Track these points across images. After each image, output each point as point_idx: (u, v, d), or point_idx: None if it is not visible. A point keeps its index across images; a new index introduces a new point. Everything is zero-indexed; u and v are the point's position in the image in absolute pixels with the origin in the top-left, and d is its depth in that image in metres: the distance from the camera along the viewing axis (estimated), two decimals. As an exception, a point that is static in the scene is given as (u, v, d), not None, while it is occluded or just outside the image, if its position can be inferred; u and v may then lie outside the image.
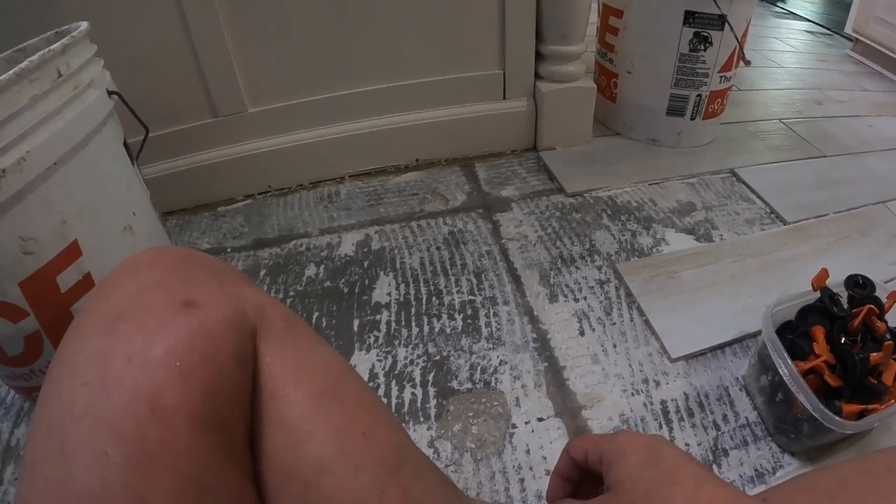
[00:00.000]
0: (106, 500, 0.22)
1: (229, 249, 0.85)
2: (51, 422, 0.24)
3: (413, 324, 0.71)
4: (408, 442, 0.33)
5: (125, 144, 0.58)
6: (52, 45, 0.46)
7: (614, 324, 0.70)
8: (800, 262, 0.80)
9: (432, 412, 0.60)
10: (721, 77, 0.99)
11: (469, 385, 0.63)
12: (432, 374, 0.64)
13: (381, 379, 0.64)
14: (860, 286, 0.58)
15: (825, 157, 1.08)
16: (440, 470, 0.35)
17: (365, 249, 0.84)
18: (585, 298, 0.74)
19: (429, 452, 0.56)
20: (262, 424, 0.28)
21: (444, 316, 0.72)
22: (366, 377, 0.64)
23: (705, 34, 0.94)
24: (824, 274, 0.58)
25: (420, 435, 0.58)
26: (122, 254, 0.53)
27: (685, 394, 0.62)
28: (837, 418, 0.48)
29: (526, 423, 0.59)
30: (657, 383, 0.63)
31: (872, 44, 1.58)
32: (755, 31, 1.81)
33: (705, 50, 0.95)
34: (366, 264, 0.81)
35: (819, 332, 0.55)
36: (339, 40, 0.88)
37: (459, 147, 1.04)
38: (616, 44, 1.04)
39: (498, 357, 0.66)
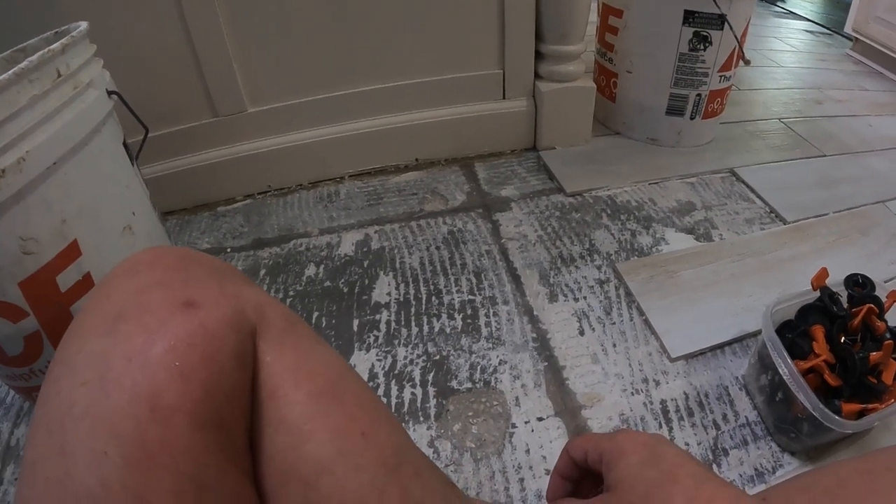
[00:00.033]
0: (106, 500, 0.22)
1: (229, 249, 0.85)
2: (50, 422, 0.24)
3: (413, 323, 0.71)
4: (407, 442, 0.33)
5: (125, 144, 0.58)
6: (51, 45, 0.46)
7: (614, 323, 0.70)
8: (799, 262, 0.80)
9: (432, 412, 0.60)
10: (721, 76, 0.99)
11: (469, 385, 0.63)
12: (432, 374, 0.64)
13: (381, 379, 0.64)
14: (860, 285, 0.58)
15: (825, 156, 1.08)
16: (440, 469, 0.35)
17: (365, 249, 0.84)
18: (585, 298, 0.74)
19: (429, 452, 0.56)
20: (262, 424, 0.28)
21: (444, 315, 0.72)
22: (365, 377, 0.64)
23: (705, 34, 0.94)
24: (824, 273, 0.58)
25: (420, 435, 0.58)
26: (122, 254, 0.53)
27: (685, 393, 0.62)
28: (837, 417, 0.48)
29: (526, 422, 0.59)
30: (657, 383, 0.63)
31: (872, 43, 1.58)
32: (755, 30, 1.81)
33: (705, 49, 0.95)
34: (365, 264, 0.81)
35: (819, 331, 0.55)
36: (339, 40, 0.88)
37: (459, 147, 1.04)
38: (616, 43, 1.04)
39: (498, 357, 0.66)
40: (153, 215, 0.62)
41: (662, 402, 0.61)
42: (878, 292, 0.57)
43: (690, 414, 0.60)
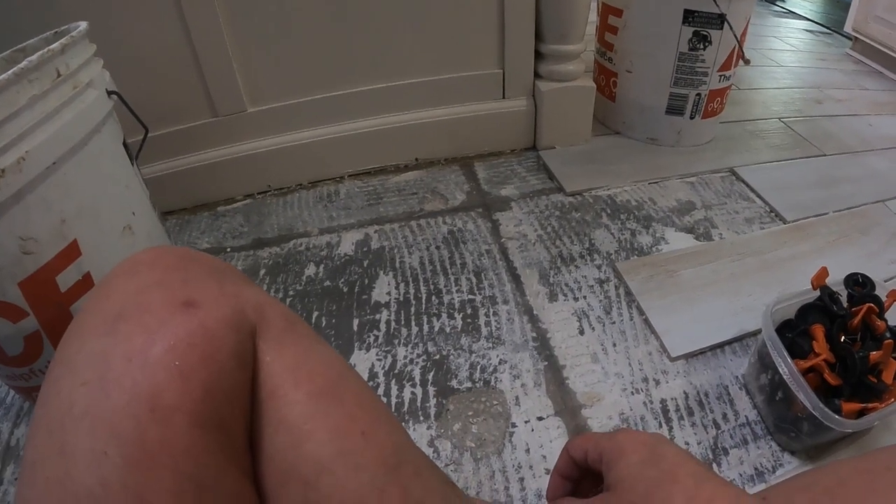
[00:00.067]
0: (106, 500, 0.22)
1: (229, 249, 0.85)
2: (50, 421, 0.24)
3: (413, 323, 0.71)
4: (407, 441, 0.33)
5: (124, 144, 0.58)
6: (51, 45, 0.46)
7: (614, 323, 0.71)
8: (799, 261, 0.80)
9: (432, 411, 0.60)
10: (720, 76, 0.99)
11: (469, 384, 0.63)
12: (432, 374, 0.64)
13: (381, 378, 0.64)
14: (860, 285, 0.58)
15: (825, 155, 1.08)
16: (440, 469, 0.35)
17: (364, 249, 0.84)
18: (585, 297, 0.74)
19: (428, 452, 0.56)
20: (262, 424, 0.28)
21: (444, 315, 0.72)
22: (365, 376, 0.64)
23: (704, 33, 0.94)
24: (824, 272, 0.58)
25: (420, 434, 0.58)
26: (122, 253, 0.53)
27: (685, 392, 0.62)
28: (837, 417, 0.48)
29: (526, 422, 0.59)
30: (657, 382, 0.63)
31: (872, 43, 1.58)
32: (754, 29, 1.81)
33: (704, 49, 0.95)
34: (365, 263, 0.81)
35: (819, 330, 0.55)
36: (339, 40, 0.88)
37: (459, 146, 1.04)
38: (615, 43, 1.04)
39: (497, 356, 0.66)
40: (153, 215, 0.62)
41: (662, 401, 0.61)
42: (877, 291, 0.57)
43: (690, 413, 0.60)
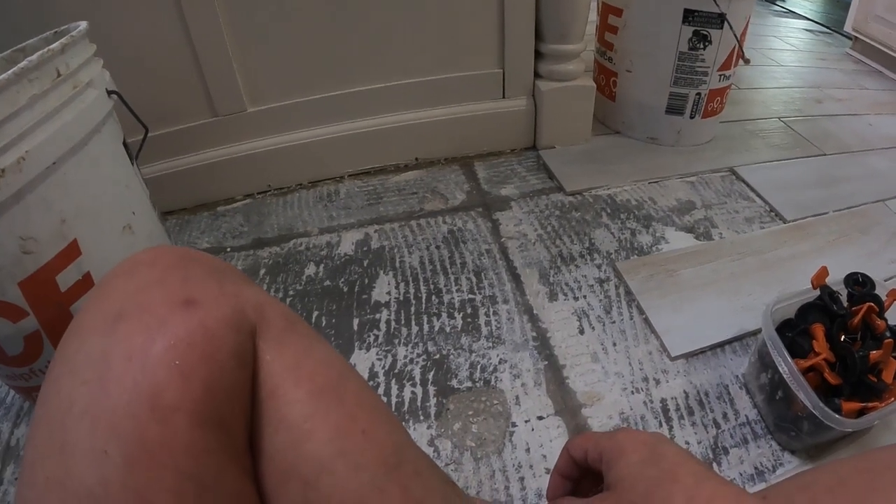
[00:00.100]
0: (106, 499, 0.22)
1: (229, 249, 0.85)
2: (51, 421, 0.24)
3: (413, 322, 0.71)
4: (408, 440, 0.33)
5: (124, 144, 0.58)
6: (51, 45, 0.46)
7: (614, 322, 0.71)
8: (799, 261, 0.80)
9: (432, 411, 0.60)
10: (720, 75, 0.99)
11: (469, 384, 0.63)
12: (432, 373, 0.64)
13: (381, 378, 0.64)
14: (860, 284, 0.58)
15: (825, 155, 1.08)
16: (440, 469, 0.35)
17: (364, 248, 0.84)
18: (585, 297, 0.74)
19: (429, 451, 0.56)
20: (262, 423, 0.28)
21: (444, 315, 0.72)
22: (365, 376, 0.64)
23: (704, 33, 0.94)
24: (824, 272, 0.58)
25: (420, 434, 0.58)
26: (122, 253, 0.53)
27: (685, 392, 0.62)
28: (837, 416, 0.48)
29: (526, 421, 0.59)
30: (657, 381, 0.63)
31: (872, 42, 1.58)
32: (754, 29, 1.81)
33: (704, 48, 0.95)
34: (365, 263, 0.81)
35: (819, 329, 0.55)
36: (339, 40, 0.88)
37: (459, 146, 1.04)
38: (615, 42, 1.04)
39: (498, 355, 0.66)
40: (153, 215, 0.62)
41: (662, 400, 0.61)
42: (878, 291, 0.57)
43: (691, 413, 0.60)
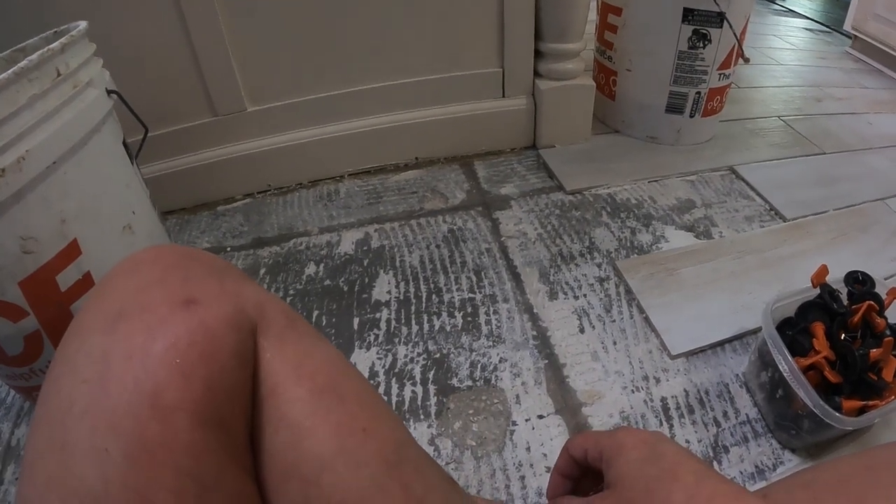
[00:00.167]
0: (106, 498, 0.23)
1: (229, 248, 0.85)
2: (51, 420, 0.24)
3: (413, 322, 0.71)
4: (408, 439, 0.33)
5: (124, 143, 0.58)
6: (51, 45, 0.46)
7: (614, 321, 0.71)
8: (799, 259, 0.80)
9: (433, 410, 0.60)
10: (720, 74, 0.99)
11: (469, 383, 0.63)
12: (432, 372, 0.64)
13: (382, 377, 0.64)
14: (860, 282, 0.58)
15: (824, 154, 1.08)
16: (441, 467, 0.35)
17: (364, 248, 0.84)
18: (585, 296, 0.74)
19: (429, 450, 0.56)
20: (263, 422, 0.28)
21: (444, 314, 0.72)
22: (366, 375, 0.64)
23: (704, 31, 0.94)
24: (824, 270, 0.58)
25: (420, 433, 0.58)
26: (122, 253, 0.53)
27: (685, 391, 0.62)
28: (837, 414, 0.48)
29: (526, 420, 0.59)
30: (657, 380, 0.63)
31: (872, 41, 1.58)
32: (754, 28, 1.81)
33: (704, 47, 0.95)
34: (365, 262, 0.81)
35: (819, 328, 0.55)
36: (339, 39, 0.88)
37: (459, 145, 1.04)
38: (615, 41, 1.04)
39: (498, 354, 0.66)
40: (153, 214, 0.62)
41: (663, 399, 0.61)
42: (877, 289, 0.57)
43: (691, 411, 0.60)
